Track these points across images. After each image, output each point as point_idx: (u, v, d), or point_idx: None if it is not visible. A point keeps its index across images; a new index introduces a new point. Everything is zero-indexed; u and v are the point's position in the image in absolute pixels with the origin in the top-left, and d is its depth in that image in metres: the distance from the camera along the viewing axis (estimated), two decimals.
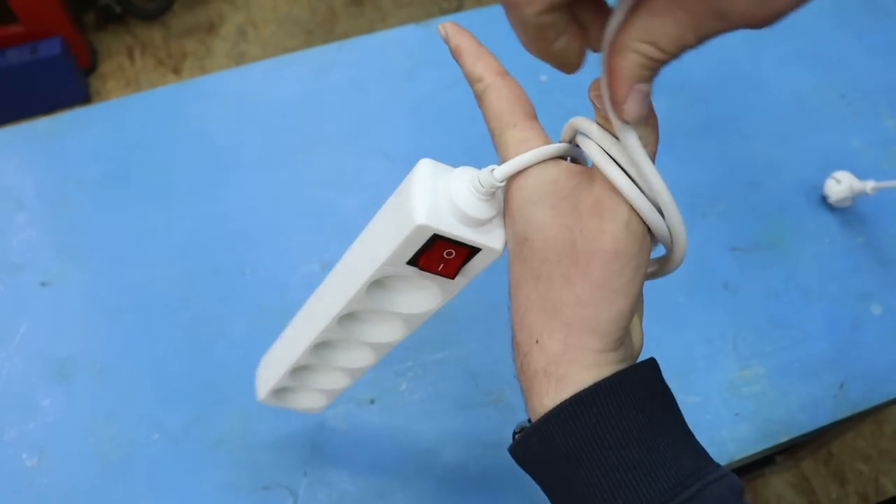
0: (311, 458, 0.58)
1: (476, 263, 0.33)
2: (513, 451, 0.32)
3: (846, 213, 0.70)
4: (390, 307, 0.38)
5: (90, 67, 1.76)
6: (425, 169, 0.31)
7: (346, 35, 1.59)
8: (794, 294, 0.65)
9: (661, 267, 0.33)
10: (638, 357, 0.32)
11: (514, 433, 0.32)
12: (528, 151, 0.30)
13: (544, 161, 0.30)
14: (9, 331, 0.63)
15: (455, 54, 0.34)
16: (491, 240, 0.32)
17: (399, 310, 0.38)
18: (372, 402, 0.60)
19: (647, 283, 0.65)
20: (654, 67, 0.25)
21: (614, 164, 0.28)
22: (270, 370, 0.48)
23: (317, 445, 0.58)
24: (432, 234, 0.31)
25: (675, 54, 0.24)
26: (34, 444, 0.58)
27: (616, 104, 0.26)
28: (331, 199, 0.71)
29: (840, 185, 0.68)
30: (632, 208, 0.28)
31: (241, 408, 0.60)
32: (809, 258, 0.67)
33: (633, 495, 0.27)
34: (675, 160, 0.73)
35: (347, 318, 0.39)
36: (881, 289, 0.66)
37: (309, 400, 0.50)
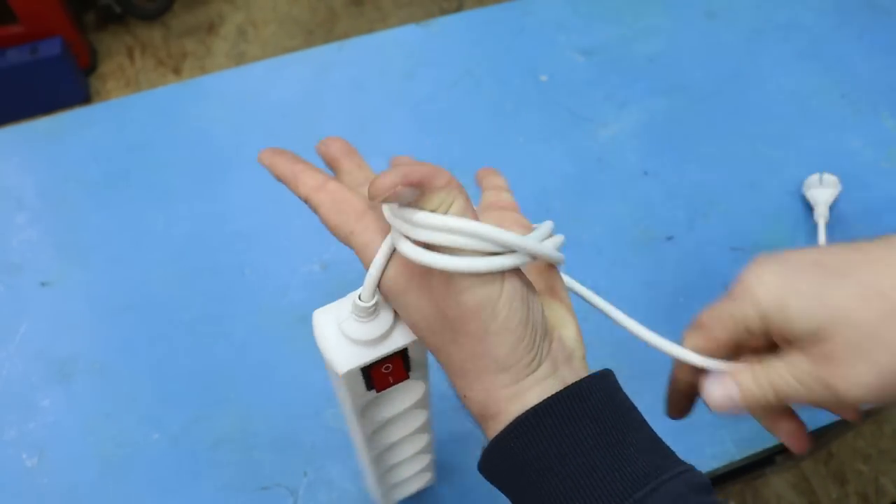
0: (311, 458, 0.58)
1: (415, 354, 0.36)
2: (480, 466, 0.33)
3: (847, 213, 0.70)
4: (394, 411, 0.40)
5: (90, 67, 1.76)
6: (319, 321, 0.36)
7: (346, 35, 1.59)
8: None
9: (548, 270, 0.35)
10: (578, 349, 0.34)
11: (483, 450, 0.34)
12: (373, 258, 0.33)
13: (391, 259, 0.32)
14: (9, 331, 0.63)
15: (278, 179, 0.38)
16: (403, 339, 0.34)
17: (402, 408, 0.40)
18: None
19: (648, 283, 0.65)
20: (755, 397, 0.34)
21: (409, 242, 0.30)
22: (370, 485, 0.51)
23: (317, 445, 0.58)
24: (359, 370, 0.35)
25: (776, 401, 0.33)
26: (34, 444, 0.58)
27: (708, 384, 0.36)
28: None
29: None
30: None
31: (241, 408, 0.60)
32: None
33: (588, 496, 0.28)
34: (676, 160, 0.73)
35: (374, 434, 0.42)
36: None
37: (416, 483, 0.52)
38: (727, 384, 0.35)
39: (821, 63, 0.80)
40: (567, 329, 0.34)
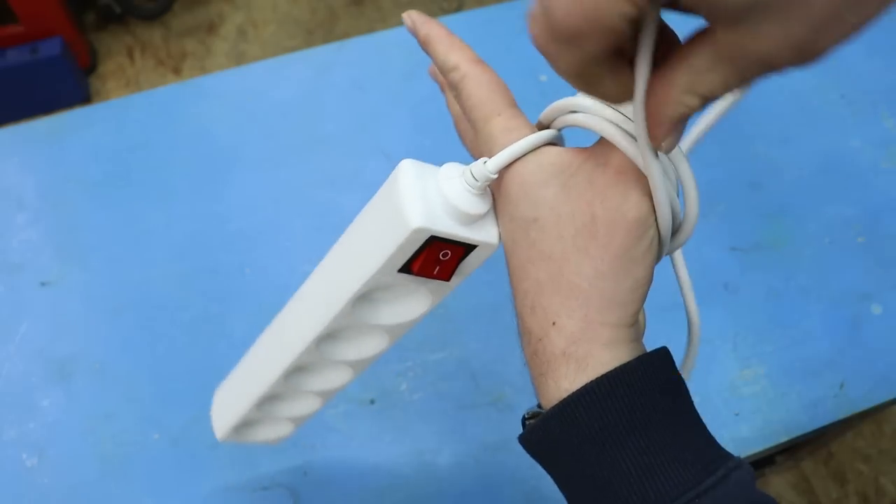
0: (311, 458, 0.58)
1: (471, 261, 0.32)
2: (526, 437, 0.30)
3: (847, 214, 0.70)
4: (375, 320, 0.35)
5: (90, 67, 1.76)
6: (409, 169, 0.30)
7: (346, 35, 1.59)
8: (794, 294, 0.65)
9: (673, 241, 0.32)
10: (643, 335, 0.32)
11: (524, 420, 0.31)
12: (518, 140, 0.30)
13: (538, 147, 0.30)
14: (9, 331, 0.63)
15: (424, 45, 0.33)
16: (487, 235, 0.31)
17: (385, 321, 0.35)
18: (372, 402, 0.60)
19: None
20: (696, 110, 0.25)
21: (628, 136, 0.28)
22: (231, 405, 0.44)
23: (317, 445, 0.58)
24: (429, 236, 0.29)
25: (719, 96, 0.25)
26: (34, 444, 0.58)
27: (655, 139, 0.26)
28: (331, 199, 0.71)
29: None
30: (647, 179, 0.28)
31: None
32: (809, 258, 0.67)
33: (660, 480, 0.26)
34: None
35: (326, 338, 0.36)
36: (881, 289, 0.66)
37: (273, 431, 0.46)
38: (676, 130, 0.26)
39: (820, 63, 0.80)
40: (641, 314, 0.32)
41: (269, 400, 0.42)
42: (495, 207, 0.31)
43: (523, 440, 0.30)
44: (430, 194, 0.29)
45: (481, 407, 0.60)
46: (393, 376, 0.61)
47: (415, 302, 0.35)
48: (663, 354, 0.30)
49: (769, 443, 0.59)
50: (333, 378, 0.41)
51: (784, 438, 0.59)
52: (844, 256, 0.67)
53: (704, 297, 0.65)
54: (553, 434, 0.28)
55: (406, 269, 0.31)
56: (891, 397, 0.61)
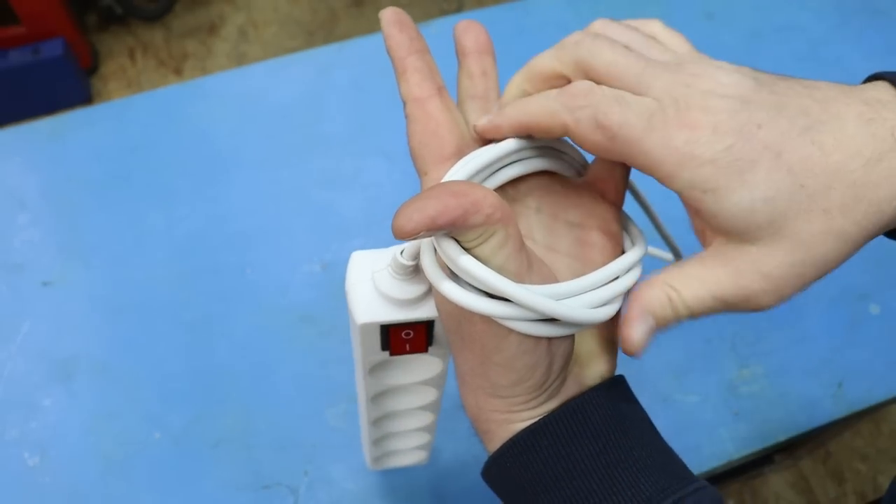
0: (311, 458, 0.58)
1: (442, 330, 0.34)
2: (482, 473, 0.32)
3: None
4: (404, 380, 0.39)
5: (92, 68, 1.77)
6: (355, 266, 0.33)
7: (346, 36, 1.59)
8: None
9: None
10: (597, 381, 0.31)
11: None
12: None
13: None
14: (11, 330, 0.63)
15: (388, 53, 0.31)
16: (432, 311, 0.32)
17: (413, 380, 0.39)
18: None
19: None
20: (669, 315, 0.27)
21: (452, 283, 0.27)
22: (364, 443, 0.50)
23: (317, 445, 0.58)
24: (378, 326, 0.32)
25: (691, 314, 0.28)
26: (36, 444, 0.58)
27: (626, 330, 0.27)
28: (331, 199, 0.71)
29: None
30: None
31: (242, 407, 0.60)
32: None
33: None
34: None
35: (378, 397, 0.40)
36: (879, 289, 0.66)
37: (408, 458, 0.51)
38: (644, 318, 0.27)
39: (820, 64, 0.81)
40: (594, 367, 0.30)
41: (381, 440, 0.47)
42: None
43: (482, 475, 0.32)
44: (372, 286, 0.32)
45: None
46: None
47: (425, 363, 0.38)
48: (600, 392, 0.29)
49: (768, 442, 0.59)
50: (414, 421, 0.45)
51: (782, 437, 0.59)
52: None
53: None
54: (494, 478, 0.31)
55: (386, 348, 0.34)
56: (889, 397, 0.61)
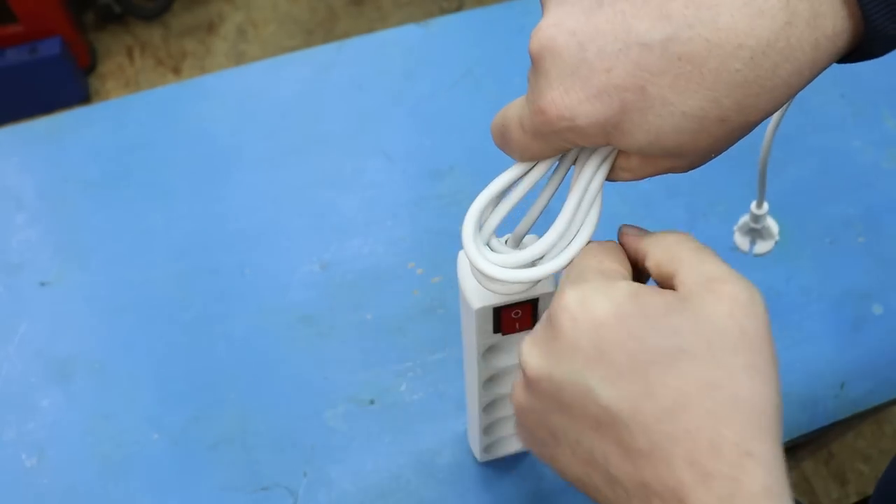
0: (311, 459, 0.57)
1: (546, 306, 0.36)
2: None
3: (847, 212, 0.70)
4: (514, 360, 0.41)
5: (90, 67, 1.76)
6: (463, 258, 0.37)
7: (345, 35, 1.59)
8: (794, 294, 0.65)
9: None
10: None
11: None
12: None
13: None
14: (8, 331, 0.63)
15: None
16: (542, 287, 0.36)
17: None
18: (372, 402, 0.60)
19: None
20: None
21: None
22: (472, 433, 0.52)
23: (317, 445, 0.58)
24: (491, 309, 0.36)
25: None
26: (33, 445, 0.58)
27: None
28: (331, 199, 0.70)
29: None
30: None
31: (241, 408, 0.60)
32: (810, 258, 0.67)
33: None
34: None
35: (489, 381, 0.43)
36: (882, 289, 0.65)
37: (516, 443, 0.52)
38: None
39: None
40: None
41: (491, 427, 0.49)
42: (580, 362, 0.27)
43: None
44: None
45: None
46: (393, 376, 0.61)
47: None
48: None
49: None
50: None
51: (784, 438, 0.59)
52: (845, 257, 0.67)
53: None
54: None
55: (498, 330, 0.38)
56: (892, 397, 0.61)
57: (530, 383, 0.28)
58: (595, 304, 0.27)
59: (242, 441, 0.58)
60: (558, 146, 0.30)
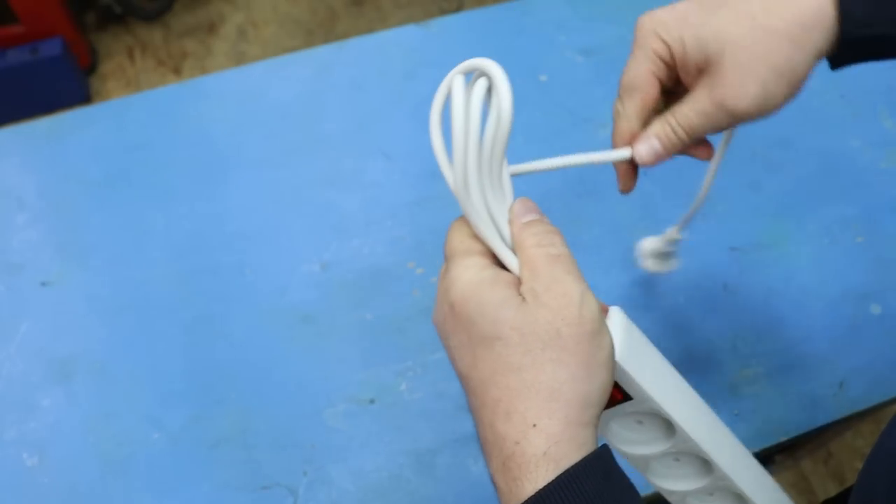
0: (311, 458, 0.58)
1: (621, 377, 0.36)
2: None
3: (847, 214, 0.70)
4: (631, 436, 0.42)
5: (90, 67, 1.76)
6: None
7: (345, 35, 1.58)
8: (793, 294, 0.65)
9: None
10: None
11: None
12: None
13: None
14: (9, 331, 0.63)
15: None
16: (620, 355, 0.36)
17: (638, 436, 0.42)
18: (372, 402, 0.60)
19: (647, 285, 0.65)
20: (668, 132, 0.41)
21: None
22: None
23: (317, 445, 0.58)
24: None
25: (683, 132, 0.40)
26: (34, 444, 0.58)
27: (636, 146, 0.41)
28: (331, 198, 0.71)
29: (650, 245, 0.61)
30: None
31: (241, 407, 0.60)
32: (808, 258, 0.67)
33: None
34: (676, 160, 0.73)
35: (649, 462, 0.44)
36: (880, 289, 0.66)
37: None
38: (649, 140, 0.41)
39: (820, 64, 0.80)
40: None
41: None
42: (449, 327, 0.34)
43: None
44: None
45: None
46: (393, 376, 0.61)
47: (649, 424, 0.41)
48: (593, 460, 0.31)
49: (768, 442, 0.59)
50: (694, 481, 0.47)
51: (783, 438, 0.59)
52: (844, 256, 0.67)
53: (704, 297, 0.65)
54: None
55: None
56: (890, 397, 0.61)
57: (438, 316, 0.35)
58: (455, 286, 0.33)
59: (242, 441, 0.58)
60: (648, 64, 0.42)
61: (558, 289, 0.32)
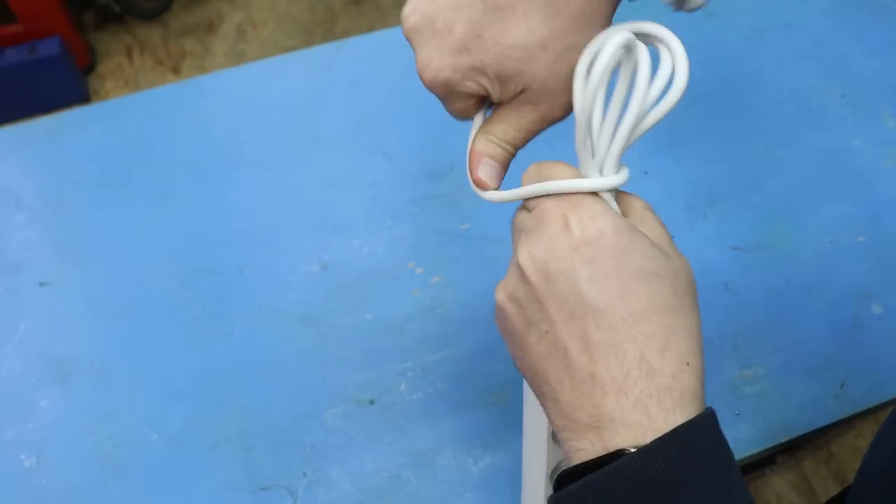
0: (310, 459, 0.57)
1: None
2: (559, 485, 0.33)
3: (848, 214, 0.69)
4: None
5: (89, 67, 1.76)
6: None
7: (345, 34, 1.58)
8: (794, 294, 0.65)
9: None
10: None
11: (559, 480, 0.32)
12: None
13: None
14: (7, 331, 0.63)
15: None
16: None
17: None
18: (372, 402, 0.60)
19: None
20: (498, 153, 0.39)
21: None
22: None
23: (317, 445, 0.58)
24: None
25: (510, 146, 0.39)
26: (33, 445, 0.58)
27: (472, 171, 0.39)
28: (331, 198, 0.70)
29: None
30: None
31: (240, 408, 0.59)
32: (810, 258, 0.67)
33: None
34: (675, 160, 0.73)
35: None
36: (882, 288, 0.65)
37: None
38: (483, 163, 0.39)
39: (821, 63, 0.80)
40: None
41: None
42: (588, 254, 0.33)
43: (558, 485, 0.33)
44: None
45: (481, 407, 0.60)
46: (393, 376, 0.61)
47: None
48: (704, 420, 0.32)
49: (770, 443, 0.59)
50: None
51: (784, 438, 0.59)
52: (845, 256, 0.67)
53: (705, 297, 0.65)
54: (590, 497, 0.31)
55: None
56: (892, 397, 0.61)
57: (525, 274, 0.33)
58: (602, 219, 0.33)
59: (242, 441, 0.58)
60: (466, 102, 0.38)
61: (676, 250, 0.35)
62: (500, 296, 0.36)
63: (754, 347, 0.62)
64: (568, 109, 0.36)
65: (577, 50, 0.34)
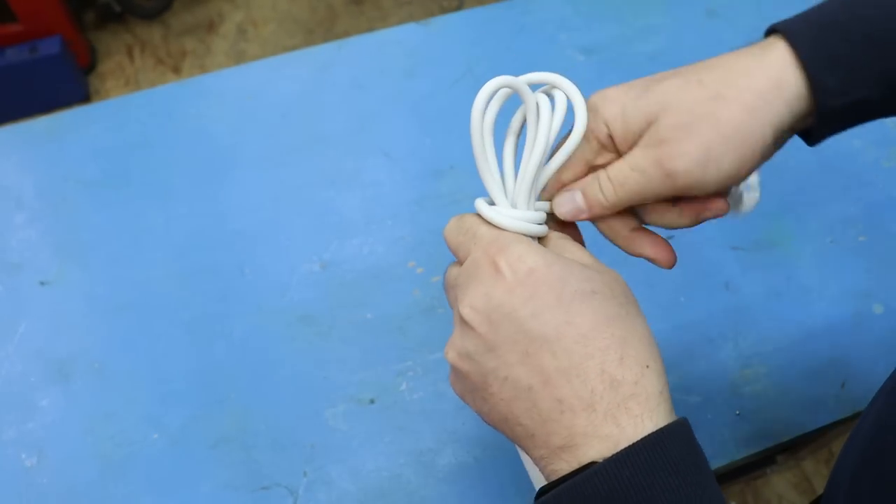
0: (311, 458, 0.57)
1: None
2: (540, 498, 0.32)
3: (848, 213, 0.69)
4: None
5: (89, 66, 1.76)
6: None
7: (345, 34, 1.58)
8: (795, 293, 0.65)
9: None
10: None
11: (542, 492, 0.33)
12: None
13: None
14: (8, 330, 0.63)
15: None
16: None
17: None
18: (372, 401, 0.60)
19: (649, 283, 0.65)
20: (598, 197, 0.38)
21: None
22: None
23: (317, 445, 0.58)
24: None
25: (617, 196, 0.38)
26: (33, 444, 0.58)
27: (557, 197, 0.39)
28: (331, 198, 0.70)
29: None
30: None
31: (241, 407, 0.59)
32: (810, 257, 0.67)
33: None
34: None
35: None
36: (882, 288, 0.65)
37: None
38: (573, 193, 0.39)
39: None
40: None
41: None
42: (525, 293, 0.34)
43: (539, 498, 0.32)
44: None
45: None
46: (393, 376, 0.61)
47: None
48: (677, 427, 0.32)
49: (770, 442, 0.59)
50: None
51: (785, 438, 0.59)
52: (846, 255, 0.67)
53: (705, 296, 0.65)
54: (674, 448, 0.31)
55: None
56: None
57: (471, 326, 0.34)
58: (529, 257, 0.34)
59: (242, 440, 0.58)
60: None
61: (603, 265, 0.36)
62: (452, 355, 0.35)
63: (755, 347, 0.62)
64: (699, 170, 0.36)
65: (731, 120, 0.36)
